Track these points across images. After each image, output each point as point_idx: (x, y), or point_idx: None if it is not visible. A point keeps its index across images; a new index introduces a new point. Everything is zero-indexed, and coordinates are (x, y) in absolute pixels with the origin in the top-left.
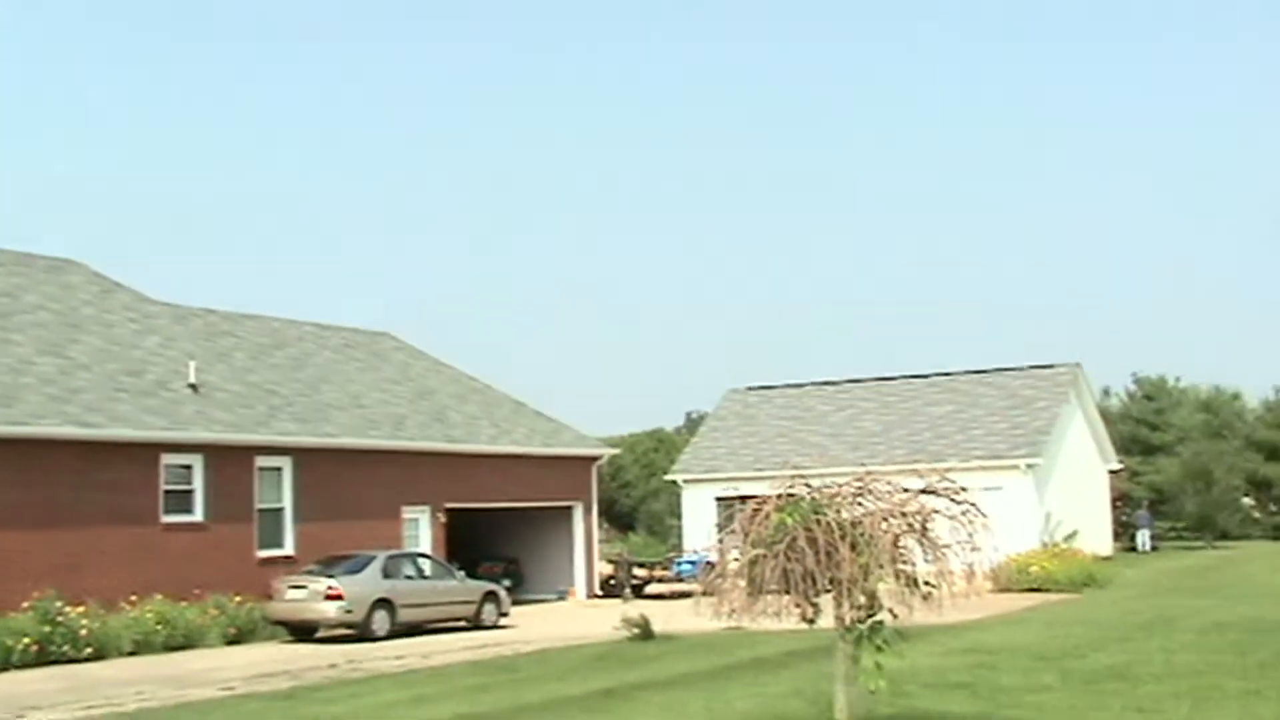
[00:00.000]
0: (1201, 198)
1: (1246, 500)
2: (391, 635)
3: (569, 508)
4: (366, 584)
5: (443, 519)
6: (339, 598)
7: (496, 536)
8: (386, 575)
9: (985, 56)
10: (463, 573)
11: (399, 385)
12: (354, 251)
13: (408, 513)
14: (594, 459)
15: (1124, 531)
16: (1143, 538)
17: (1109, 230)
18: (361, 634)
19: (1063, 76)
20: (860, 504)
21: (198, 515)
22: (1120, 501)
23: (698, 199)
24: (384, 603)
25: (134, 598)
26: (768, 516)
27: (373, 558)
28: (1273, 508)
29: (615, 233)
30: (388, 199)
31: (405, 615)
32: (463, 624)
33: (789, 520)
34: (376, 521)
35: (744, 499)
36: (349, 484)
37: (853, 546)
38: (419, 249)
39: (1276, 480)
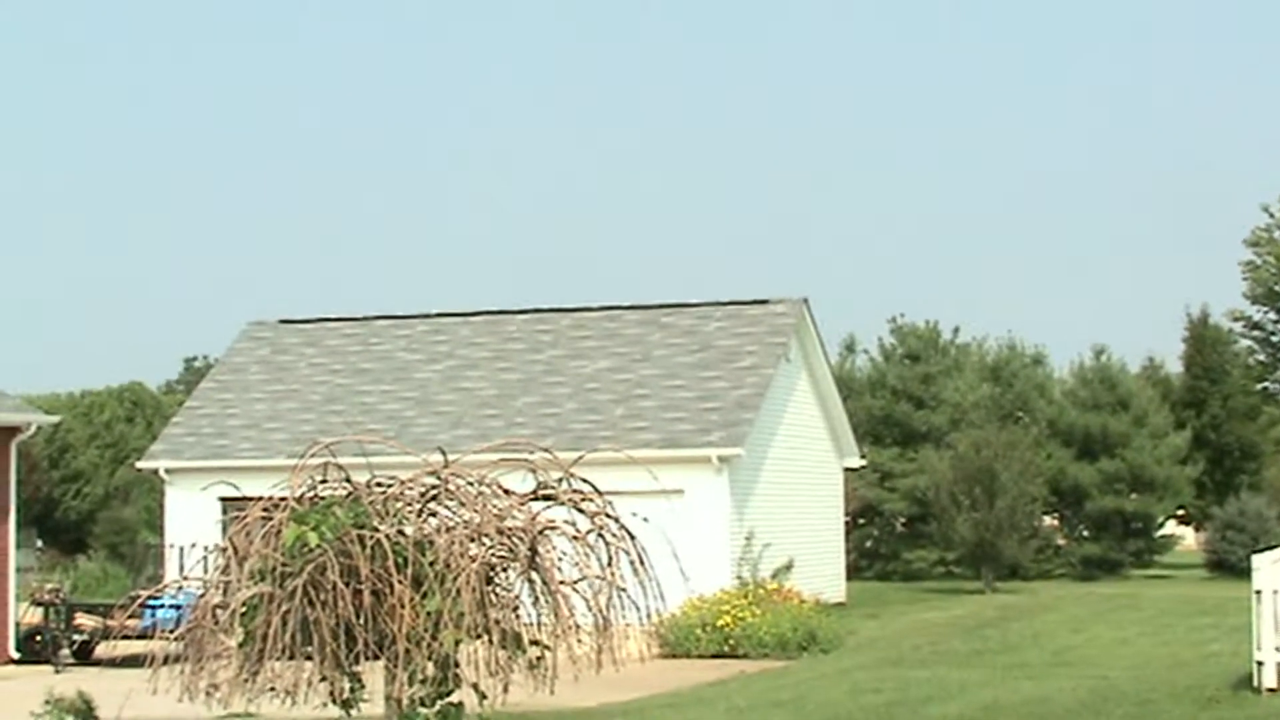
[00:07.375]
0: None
1: (1048, 519)
2: None
3: None
4: None
5: None
6: None
7: None
8: None
9: None
10: None
11: None
12: None
13: None
14: (11, 432)
15: (868, 564)
16: None
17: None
18: None
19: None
20: (433, 513)
21: None
22: (863, 517)
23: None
24: None
25: None
26: (279, 531)
27: None
28: (1084, 531)
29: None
30: None
31: None
32: None
33: (313, 538)
34: None
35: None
36: None
37: (417, 583)
38: None
39: (1090, 489)
